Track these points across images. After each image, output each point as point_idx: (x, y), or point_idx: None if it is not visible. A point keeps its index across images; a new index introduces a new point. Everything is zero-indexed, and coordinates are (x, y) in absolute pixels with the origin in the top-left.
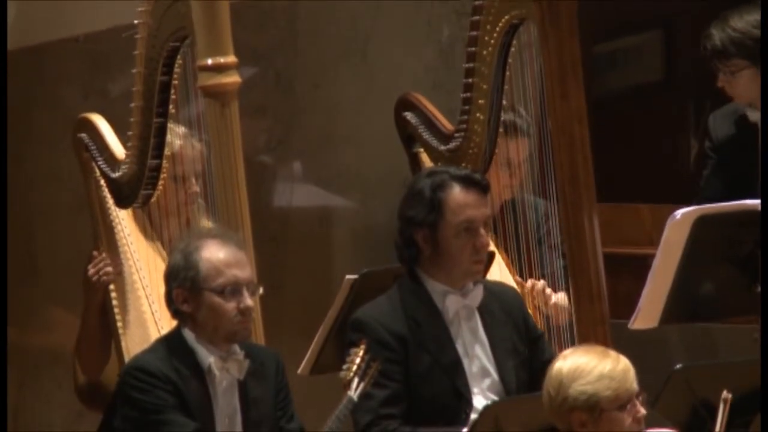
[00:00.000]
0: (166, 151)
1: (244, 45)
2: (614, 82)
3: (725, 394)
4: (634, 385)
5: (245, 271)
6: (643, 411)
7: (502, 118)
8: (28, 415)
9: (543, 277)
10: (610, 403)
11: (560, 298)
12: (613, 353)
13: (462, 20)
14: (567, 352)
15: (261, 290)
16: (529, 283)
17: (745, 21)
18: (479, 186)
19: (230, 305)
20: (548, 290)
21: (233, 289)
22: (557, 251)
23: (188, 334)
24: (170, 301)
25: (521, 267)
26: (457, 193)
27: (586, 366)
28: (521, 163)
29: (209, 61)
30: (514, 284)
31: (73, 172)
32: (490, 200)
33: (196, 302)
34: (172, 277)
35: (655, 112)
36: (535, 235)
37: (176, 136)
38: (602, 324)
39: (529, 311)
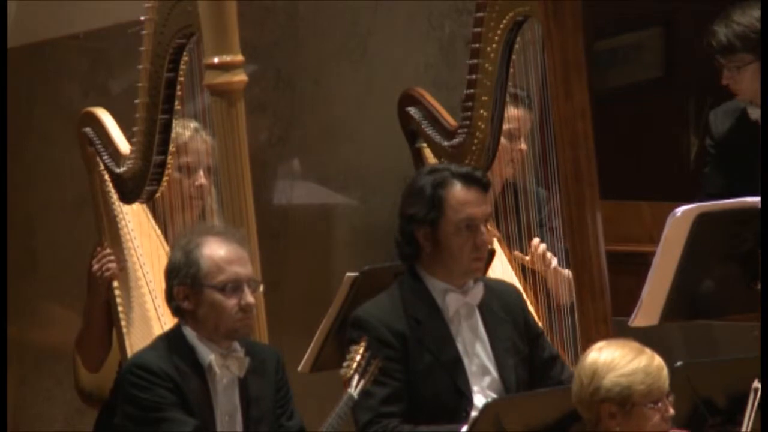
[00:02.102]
0: (173, 144)
1: (245, 42)
2: (615, 80)
3: (756, 384)
4: (667, 384)
5: (246, 268)
6: (672, 411)
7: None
8: (29, 413)
9: None
10: (642, 397)
11: (564, 271)
12: (648, 350)
13: (463, 17)
14: (601, 344)
15: (262, 287)
16: (535, 240)
17: (749, 15)
18: (480, 184)
19: (231, 302)
20: (549, 254)
21: (234, 286)
22: (558, 233)
23: (189, 332)
24: (171, 298)
25: (522, 249)
26: (458, 190)
27: (622, 359)
28: (522, 134)
29: (216, 60)
30: (515, 281)
31: (74, 169)
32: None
33: (196, 299)
34: (172, 274)
35: (655, 109)
36: (536, 218)
37: (185, 128)
38: (605, 321)
39: (530, 309)
